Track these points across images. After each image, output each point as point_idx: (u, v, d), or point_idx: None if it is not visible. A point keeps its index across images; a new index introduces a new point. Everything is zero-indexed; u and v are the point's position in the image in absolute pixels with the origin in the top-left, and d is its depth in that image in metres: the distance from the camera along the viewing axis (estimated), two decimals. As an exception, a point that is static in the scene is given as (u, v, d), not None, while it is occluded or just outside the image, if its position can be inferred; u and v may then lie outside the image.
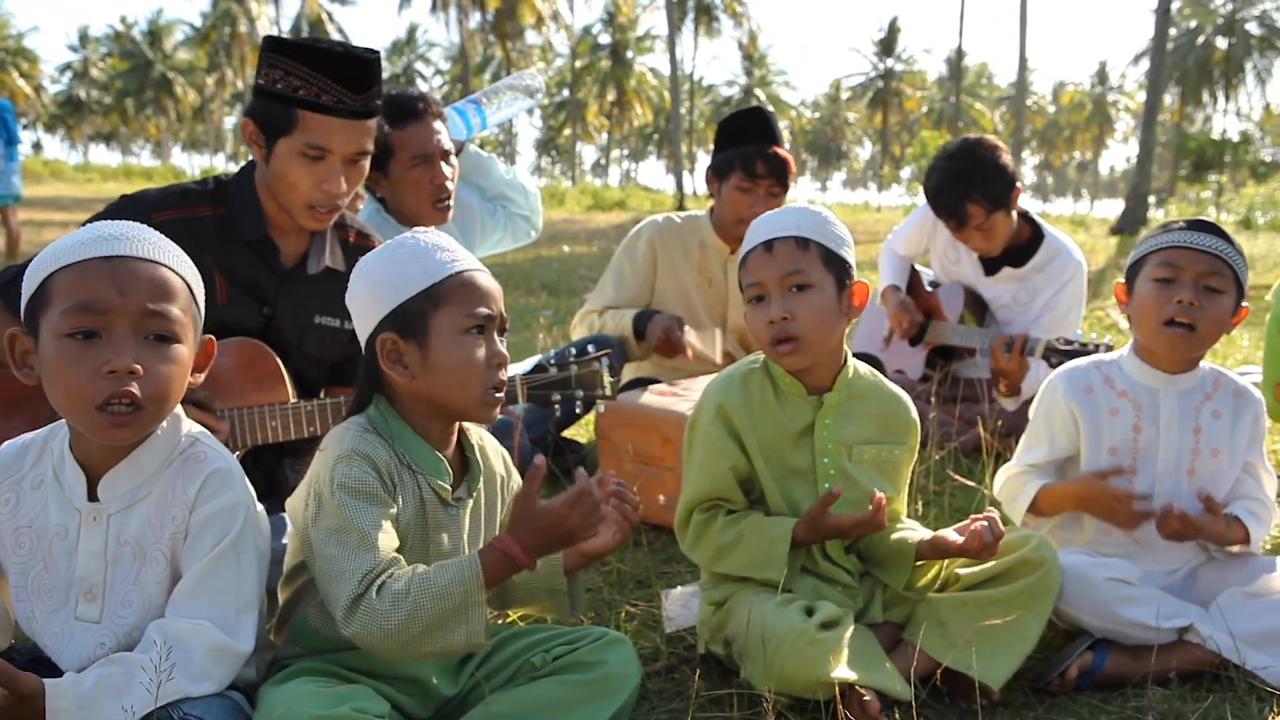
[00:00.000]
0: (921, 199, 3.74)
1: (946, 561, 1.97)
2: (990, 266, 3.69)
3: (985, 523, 1.84)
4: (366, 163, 2.20)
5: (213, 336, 1.56)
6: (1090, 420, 2.10)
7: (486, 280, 1.62)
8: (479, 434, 1.75)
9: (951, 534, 1.89)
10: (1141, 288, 2.07)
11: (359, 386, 1.66)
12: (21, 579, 1.52)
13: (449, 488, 1.63)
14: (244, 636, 1.47)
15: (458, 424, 1.68)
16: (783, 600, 1.80)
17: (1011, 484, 2.18)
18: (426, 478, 1.60)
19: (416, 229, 1.66)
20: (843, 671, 1.67)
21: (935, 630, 1.87)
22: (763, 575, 1.86)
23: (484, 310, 1.59)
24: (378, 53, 2.13)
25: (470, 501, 1.67)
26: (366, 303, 1.61)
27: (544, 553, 1.54)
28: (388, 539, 1.50)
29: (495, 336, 1.62)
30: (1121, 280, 2.15)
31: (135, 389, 1.39)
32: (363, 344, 1.64)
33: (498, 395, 1.61)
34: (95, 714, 1.34)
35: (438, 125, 2.91)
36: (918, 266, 4.00)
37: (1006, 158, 3.51)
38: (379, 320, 1.59)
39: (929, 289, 3.88)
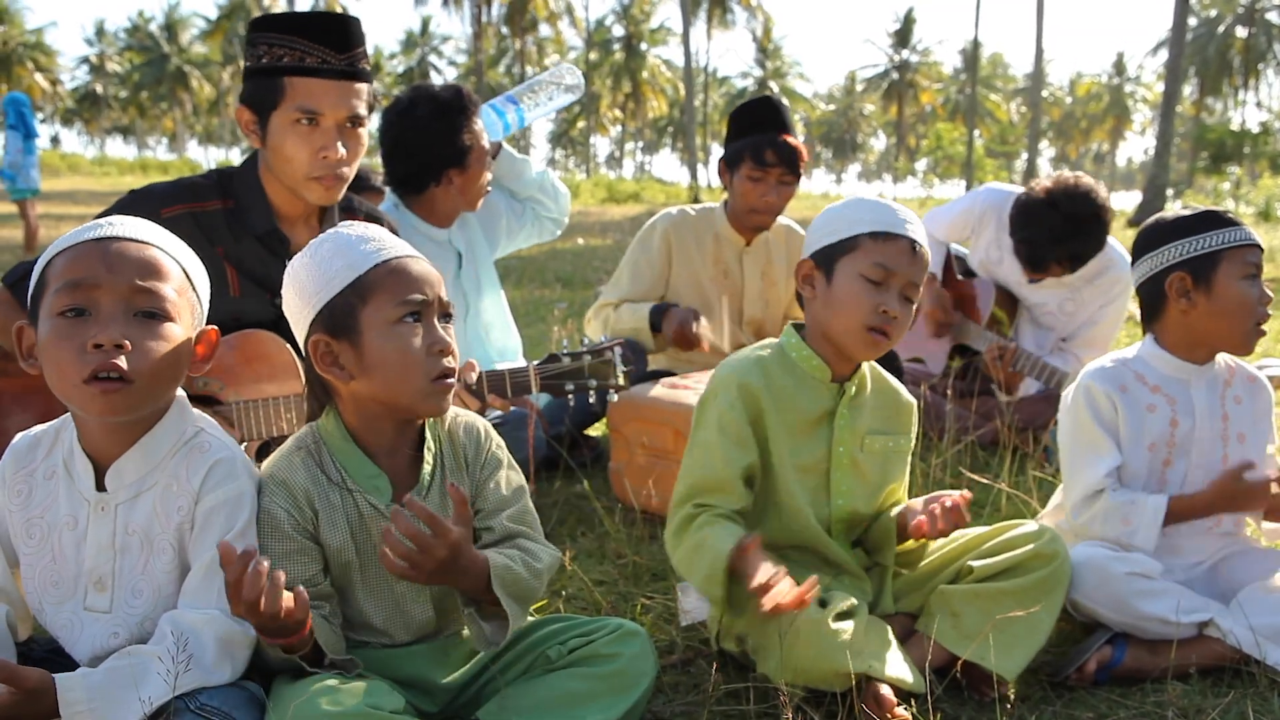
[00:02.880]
0: (955, 189, 3.68)
1: (958, 552, 1.97)
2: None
3: (938, 508, 1.84)
4: (364, 131, 2.19)
5: (216, 327, 1.56)
6: (1131, 418, 2.07)
7: (420, 266, 1.55)
8: (451, 414, 1.67)
9: (914, 511, 1.90)
10: (1235, 287, 2.00)
11: (308, 397, 1.63)
12: (31, 569, 1.53)
13: (383, 505, 1.58)
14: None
15: (417, 420, 1.63)
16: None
17: (1117, 508, 2.03)
18: (363, 494, 1.58)
19: (344, 222, 1.63)
20: (859, 662, 1.67)
21: (948, 622, 1.87)
22: (709, 595, 1.82)
23: (416, 296, 1.52)
24: (356, 17, 2.14)
25: (424, 503, 1.59)
26: (295, 306, 1.57)
27: (272, 639, 1.43)
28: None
29: (435, 323, 1.55)
30: (1182, 271, 2.03)
31: (122, 363, 1.39)
32: (302, 349, 1.59)
33: (445, 383, 1.54)
34: (109, 705, 1.34)
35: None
36: (952, 249, 3.86)
37: (1110, 215, 3.34)
38: (309, 322, 1.55)
39: (960, 277, 3.78)
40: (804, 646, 1.69)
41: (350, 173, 2.19)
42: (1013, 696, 1.85)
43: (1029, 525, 1.95)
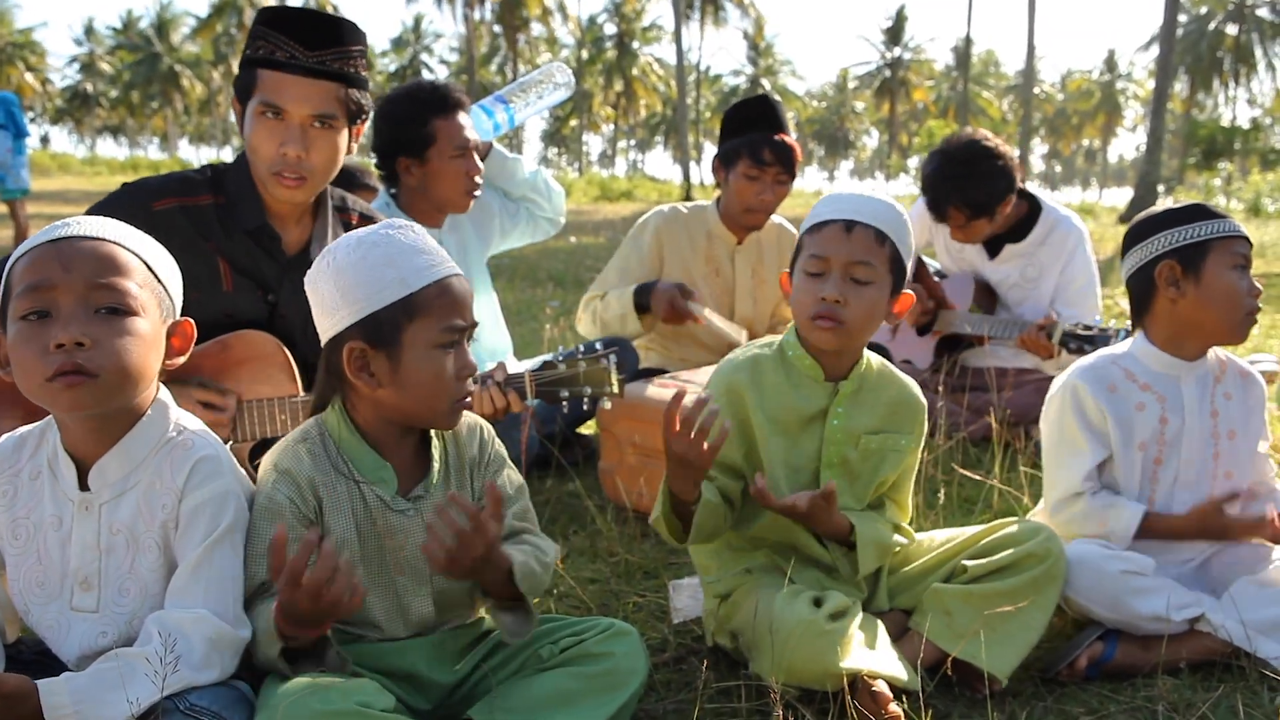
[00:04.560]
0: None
1: (952, 552, 1.97)
2: (993, 248, 3.70)
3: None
4: (338, 138, 2.15)
5: (191, 319, 1.55)
6: (1119, 418, 2.06)
7: (462, 286, 1.57)
8: None
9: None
10: (1224, 276, 1.99)
11: (319, 384, 1.62)
12: (16, 570, 1.53)
13: (389, 497, 1.59)
14: (243, 624, 1.47)
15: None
16: (790, 591, 1.79)
17: (1095, 511, 2.05)
18: (369, 486, 1.58)
19: (392, 220, 1.61)
20: (852, 662, 1.67)
21: (941, 620, 1.87)
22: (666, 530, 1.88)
23: (459, 322, 1.55)
24: (351, 21, 2.14)
25: (429, 499, 1.62)
26: (333, 301, 1.54)
27: (299, 630, 1.44)
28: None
29: (465, 346, 1.58)
30: (1171, 260, 2.02)
31: (84, 361, 1.38)
32: (323, 338, 1.58)
33: (465, 404, 1.59)
34: (95, 707, 1.33)
35: (467, 119, 3.01)
36: (924, 258, 3.97)
37: (1006, 165, 3.46)
38: (347, 325, 1.53)
39: (935, 279, 3.86)
40: (797, 647, 1.68)
41: (317, 176, 2.16)
42: (998, 690, 1.85)
43: (1024, 523, 1.95)
